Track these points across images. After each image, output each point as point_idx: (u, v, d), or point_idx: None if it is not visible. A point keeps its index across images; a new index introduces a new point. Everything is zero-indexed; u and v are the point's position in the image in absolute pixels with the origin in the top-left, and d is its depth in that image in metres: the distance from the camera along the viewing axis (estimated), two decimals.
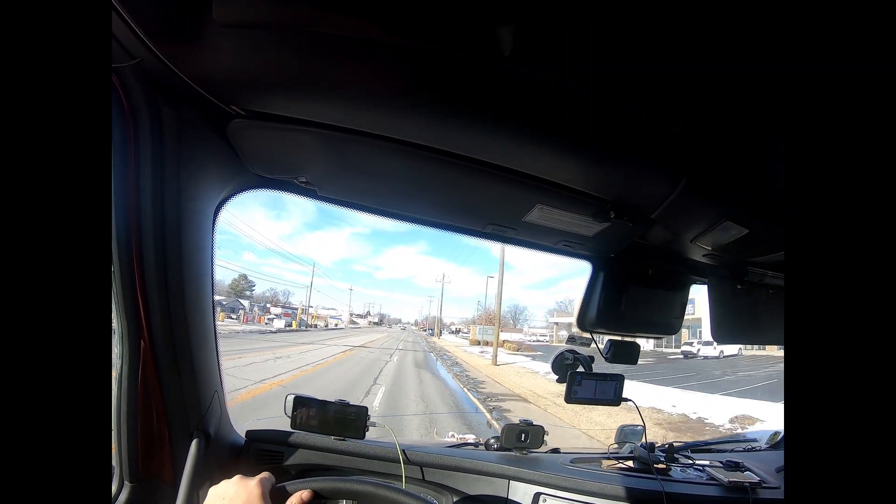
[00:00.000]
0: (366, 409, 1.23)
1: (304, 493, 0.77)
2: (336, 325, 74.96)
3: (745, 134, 0.69)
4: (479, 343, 41.43)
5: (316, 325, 56.88)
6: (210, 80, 0.72)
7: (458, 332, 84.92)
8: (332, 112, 0.76)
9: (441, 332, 65.55)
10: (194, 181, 0.90)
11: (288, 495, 0.77)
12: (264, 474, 0.78)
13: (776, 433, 1.87)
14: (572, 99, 0.64)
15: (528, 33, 0.53)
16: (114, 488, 0.99)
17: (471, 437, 1.69)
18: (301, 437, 1.24)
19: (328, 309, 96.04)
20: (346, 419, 1.21)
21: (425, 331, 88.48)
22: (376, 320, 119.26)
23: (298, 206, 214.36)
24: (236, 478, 0.76)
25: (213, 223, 1.01)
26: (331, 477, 0.82)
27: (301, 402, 1.21)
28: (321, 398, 1.23)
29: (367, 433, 1.23)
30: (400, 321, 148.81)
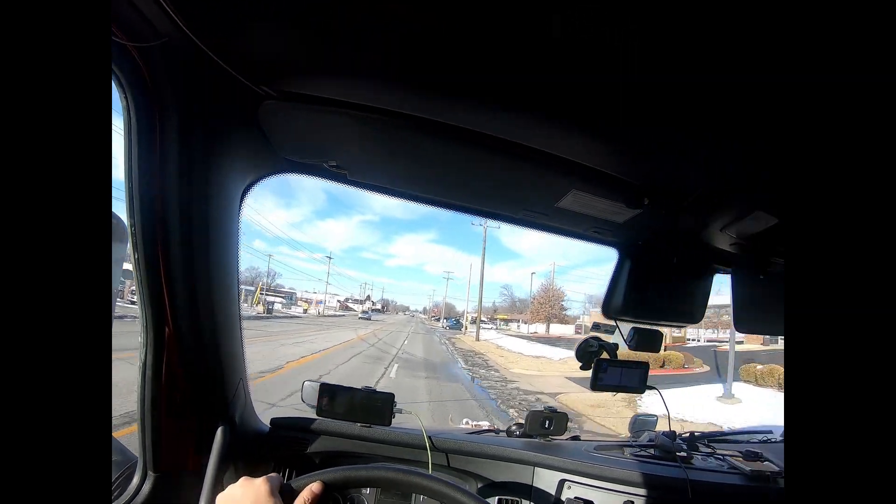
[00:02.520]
0: (392, 395, 1.23)
1: (314, 486, 0.74)
2: (324, 311, 60.52)
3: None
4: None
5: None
6: (241, 60, 0.69)
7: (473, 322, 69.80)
8: (367, 92, 0.73)
9: (467, 324, 43.48)
10: (222, 165, 0.88)
11: (295, 493, 0.73)
12: (271, 474, 0.75)
13: None
14: (612, 83, 0.62)
15: (578, 19, 0.51)
16: (136, 480, 0.98)
17: (485, 424, 1.69)
18: (326, 424, 1.23)
19: (319, 293, 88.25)
20: (373, 406, 1.21)
21: (439, 320, 73.40)
22: (379, 307, 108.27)
23: (308, 194, 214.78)
24: (241, 479, 0.74)
25: (240, 208, 0.99)
26: (341, 467, 0.77)
27: (326, 390, 1.20)
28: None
29: (393, 420, 1.23)
30: (408, 309, 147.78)
